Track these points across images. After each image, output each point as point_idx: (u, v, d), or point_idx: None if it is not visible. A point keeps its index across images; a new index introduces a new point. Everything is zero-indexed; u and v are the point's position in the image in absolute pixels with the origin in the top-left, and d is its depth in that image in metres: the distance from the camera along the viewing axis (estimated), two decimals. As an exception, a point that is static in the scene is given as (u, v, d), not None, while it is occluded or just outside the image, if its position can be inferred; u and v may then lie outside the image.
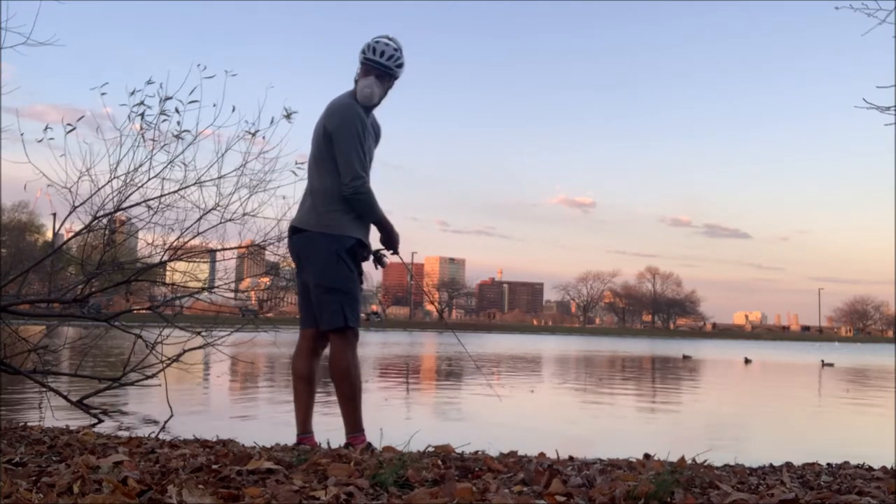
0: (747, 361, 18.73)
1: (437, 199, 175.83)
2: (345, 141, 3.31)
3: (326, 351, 3.54)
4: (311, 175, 3.48)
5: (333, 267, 3.32)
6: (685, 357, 20.61)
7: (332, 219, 3.34)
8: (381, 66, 3.42)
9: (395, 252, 3.60)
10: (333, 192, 3.34)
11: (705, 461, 2.75)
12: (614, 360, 18.95)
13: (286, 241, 5.95)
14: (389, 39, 3.49)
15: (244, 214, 5.66)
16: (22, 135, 5.00)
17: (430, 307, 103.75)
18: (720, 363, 19.07)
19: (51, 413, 5.10)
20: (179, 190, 5.50)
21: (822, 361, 19.46)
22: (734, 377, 14.00)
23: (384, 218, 3.48)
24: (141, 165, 5.36)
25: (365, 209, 3.39)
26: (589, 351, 24.54)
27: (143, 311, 6.37)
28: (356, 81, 3.47)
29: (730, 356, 23.49)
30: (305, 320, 3.52)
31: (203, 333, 5.97)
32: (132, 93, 5.20)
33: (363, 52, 3.47)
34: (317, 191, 3.40)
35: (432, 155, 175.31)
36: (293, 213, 5.57)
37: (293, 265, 6.46)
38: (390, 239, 3.55)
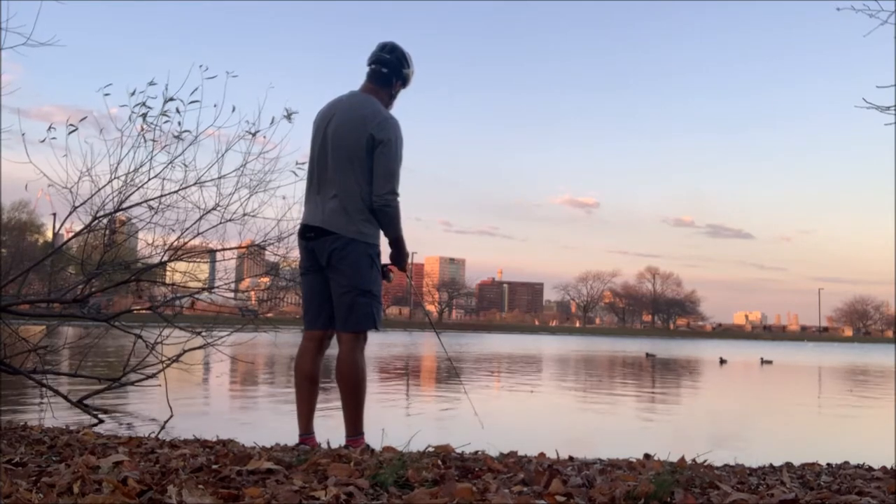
0: (722, 362, 18.67)
1: (441, 200, 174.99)
2: (392, 155, 3.37)
3: (329, 352, 3.54)
4: (336, 176, 3.39)
5: (368, 271, 3.37)
6: (648, 356, 20.78)
7: (364, 225, 3.37)
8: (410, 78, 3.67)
9: (402, 270, 3.66)
10: (367, 198, 3.36)
11: (705, 461, 2.76)
12: (576, 358, 19.00)
13: (287, 240, 6.05)
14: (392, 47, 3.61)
15: (244, 215, 5.67)
16: (23, 135, 5.01)
17: (429, 307, 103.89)
18: (684, 362, 18.93)
19: (51, 413, 5.10)
20: (180, 190, 5.51)
21: (762, 359, 20.19)
22: (671, 375, 13.96)
23: (402, 237, 3.52)
24: (142, 166, 5.37)
25: (389, 223, 3.42)
26: (567, 351, 24.52)
27: (143, 311, 6.37)
28: (390, 94, 3.59)
29: (707, 355, 23.47)
30: (312, 322, 3.49)
31: (203, 333, 5.98)
32: (132, 93, 5.21)
33: (408, 64, 3.60)
34: (350, 195, 3.36)
35: (436, 155, 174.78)
36: (293, 213, 5.62)
37: (293, 265, 6.52)
38: (400, 257, 3.58)
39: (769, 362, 19.24)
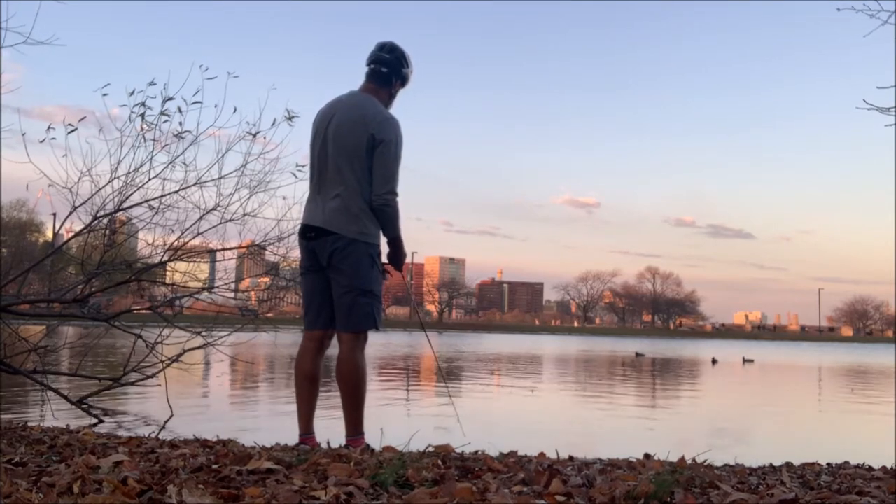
0: (714, 362, 18.67)
1: (442, 199, 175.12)
2: (392, 155, 3.38)
3: (329, 352, 3.54)
4: (337, 175, 3.39)
5: (368, 271, 3.38)
6: (637, 355, 20.97)
7: (365, 225, 3.37)
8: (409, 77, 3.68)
9: (399, 269, 3.66)
10: (368, 198, 3.37)
11: (705, 461, 2.76)
12: (569, 358, 19.05)
13: (287, 240, 6.05)
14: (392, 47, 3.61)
15: (244, 215, 5.68)
16: (24, 135, 5.02)
17: (429, 307, 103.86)
18: (675, 362, 18.88)
19: (51, 413, 5.10)
20: (180, 190, 5.51)
21: (744, 358, 20.54)
22: (645, 372, 14.01)
23: (400, 237, 3.52)
24: (142, 166, 5.37)
25: (389, 222, 3.43)
26: (564, 351, 24.52)
27: (143, 311, 6.37)
28: (390, 94, 3.60)
29: (701, 355, 23.46)
30: (313, 322, 3.49)
31: (203, 333, 5.98)
32: (131, 93, 5.22)
33: (407, 63, 3.61)
34: (352, 195, 3.36)
35: (437, 155, 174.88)
36: (293, 213, 5.63)
37: (293, 265, 6.52)
38: (397, 257, 3.58)
39: (751, 361, 19.75)
